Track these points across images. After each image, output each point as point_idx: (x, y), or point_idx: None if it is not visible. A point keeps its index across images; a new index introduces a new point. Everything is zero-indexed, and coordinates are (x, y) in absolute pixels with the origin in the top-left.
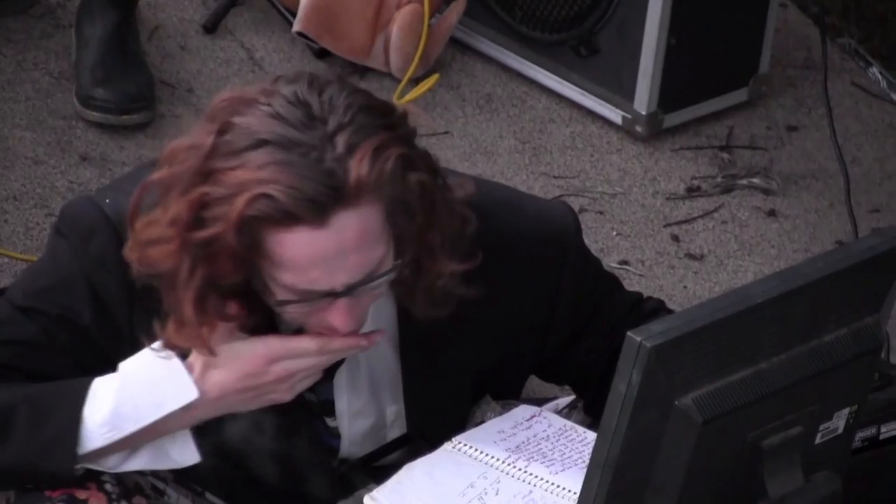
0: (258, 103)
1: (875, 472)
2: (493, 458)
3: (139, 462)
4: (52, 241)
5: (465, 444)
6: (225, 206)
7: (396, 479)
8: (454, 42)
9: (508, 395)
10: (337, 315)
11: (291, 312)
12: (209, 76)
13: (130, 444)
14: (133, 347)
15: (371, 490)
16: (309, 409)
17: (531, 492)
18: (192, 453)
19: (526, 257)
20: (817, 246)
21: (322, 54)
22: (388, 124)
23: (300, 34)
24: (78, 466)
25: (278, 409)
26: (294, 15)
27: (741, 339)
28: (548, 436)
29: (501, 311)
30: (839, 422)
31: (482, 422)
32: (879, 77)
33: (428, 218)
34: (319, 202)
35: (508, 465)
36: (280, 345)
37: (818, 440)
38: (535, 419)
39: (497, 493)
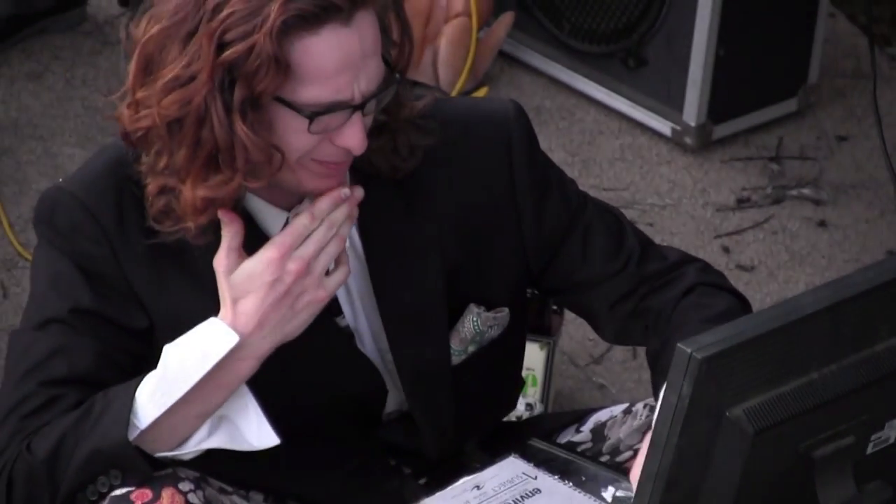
0: None
1: None
2: None
3: (216, 440)
4: (33, 254)
5: None
6: (251, 21)
7: None
8: (502, 55)
9: (499, 305)
10: (352, 133)
11: (303, 143)
12: None
13: (192, 411)
14: (139, 303)
15: None
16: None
17: None
18: (268, 434)
19: (469, 136)
20: (868, 255)
21: None
22: None
23: None
24: (135, 441)
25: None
26: None
27: (792, 350)
28: None
29: (454, 195)
30: (891, 431)
31: (469, 329)
32: None
33: (401, 33)
34: None
35: None
36: (280, 237)
37: (870, 450)
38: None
39: None
